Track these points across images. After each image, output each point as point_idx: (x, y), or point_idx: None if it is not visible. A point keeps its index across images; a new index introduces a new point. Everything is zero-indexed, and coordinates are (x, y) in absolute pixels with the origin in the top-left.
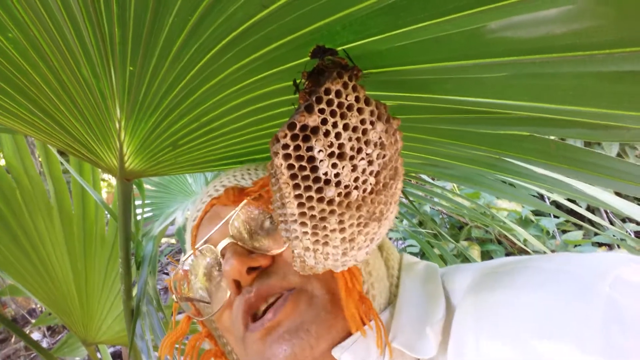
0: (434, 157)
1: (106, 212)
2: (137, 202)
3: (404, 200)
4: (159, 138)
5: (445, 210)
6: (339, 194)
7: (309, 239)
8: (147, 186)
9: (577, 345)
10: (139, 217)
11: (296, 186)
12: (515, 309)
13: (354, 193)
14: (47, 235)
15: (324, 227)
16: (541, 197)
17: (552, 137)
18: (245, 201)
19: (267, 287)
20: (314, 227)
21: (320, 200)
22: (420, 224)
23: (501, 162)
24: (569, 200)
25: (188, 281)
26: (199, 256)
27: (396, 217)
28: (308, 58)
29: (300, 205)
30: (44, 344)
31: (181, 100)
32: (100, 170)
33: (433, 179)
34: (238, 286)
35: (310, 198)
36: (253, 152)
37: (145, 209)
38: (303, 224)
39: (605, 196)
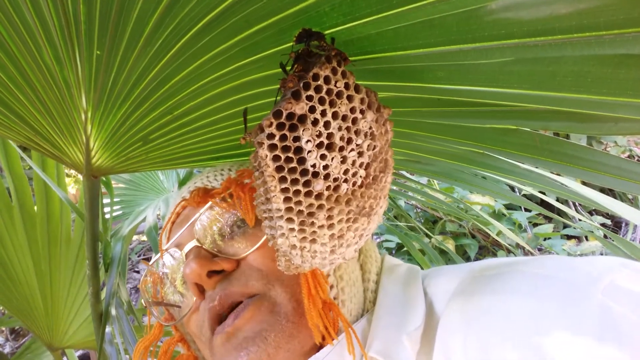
0: (417, 152)
1: (72, 211)
2: (106, 201)
3: None
4: (128, 132)
5: (419, 204)
6: (328, 188)
7: (295, 235)
8: (117, 184)
9: (567, 354)
10: (107, 216)
11: (282, 179)
12: (506, 315)
13: (344, 186)
14: (7, 236)
15: (312, 223)
16: (512, 189)
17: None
18: (209, 203)
19: (229, 293)
20: (301, 223)
21: (308, 194)
22: (396, 218)
23: (485, 158)
24: (540, 192)
25: (161, 284)
26: (170, 259)
27: None
28: (291, 44)
29: (287, 199)
30: (7, 349)
31: (153, 90)
32: (65, 165)
33: (412, 175)
34: (201, 290)
35: (297, 192)
36: (229, 148)
37: (116, 207)
38: (289, 219)
39: (588, 192)
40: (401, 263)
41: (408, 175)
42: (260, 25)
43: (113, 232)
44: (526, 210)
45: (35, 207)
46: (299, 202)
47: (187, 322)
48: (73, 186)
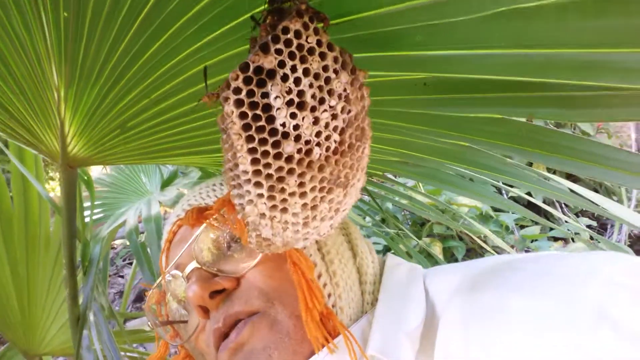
0: (403, 150)
1: (52, 211)
2: (88, 204)
3: (365, 197)
4: (105, 117)
5: (407, 208)
6: (299, 150)
7: (264, 202)
8: (99, 187)
9: (567, 349)
10: (87, 220)
11: (249, 138)
12: (506, 312)
13: (316, 150)
14: None
15: (282, 189)
16: (499, 192)
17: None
18: (204, 225)
19: (232, 314)
20: (270, 188)
21: (278, 156)
22: (383, 221)
23: (470, 152)
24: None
25: (165, 303)
26: (173, 280)
27: (359, 214)
28: (265, 6)
29: (255, 161)
30: None
31: (127, 66)
32: (41, 154)
33: (395, 177)
34: (205, 311)
35: (265, 153)
36: (211, 142)
37: (98, 210)
38: (258, 184)
39: (578, 190)
40: (403, 262)
41: (393, 177)
42: None
43: (95, 234)
44: (513, 212)
45: (13, 207)
46: (267, 165)
47: (195, 340)
48: (58, 190)
